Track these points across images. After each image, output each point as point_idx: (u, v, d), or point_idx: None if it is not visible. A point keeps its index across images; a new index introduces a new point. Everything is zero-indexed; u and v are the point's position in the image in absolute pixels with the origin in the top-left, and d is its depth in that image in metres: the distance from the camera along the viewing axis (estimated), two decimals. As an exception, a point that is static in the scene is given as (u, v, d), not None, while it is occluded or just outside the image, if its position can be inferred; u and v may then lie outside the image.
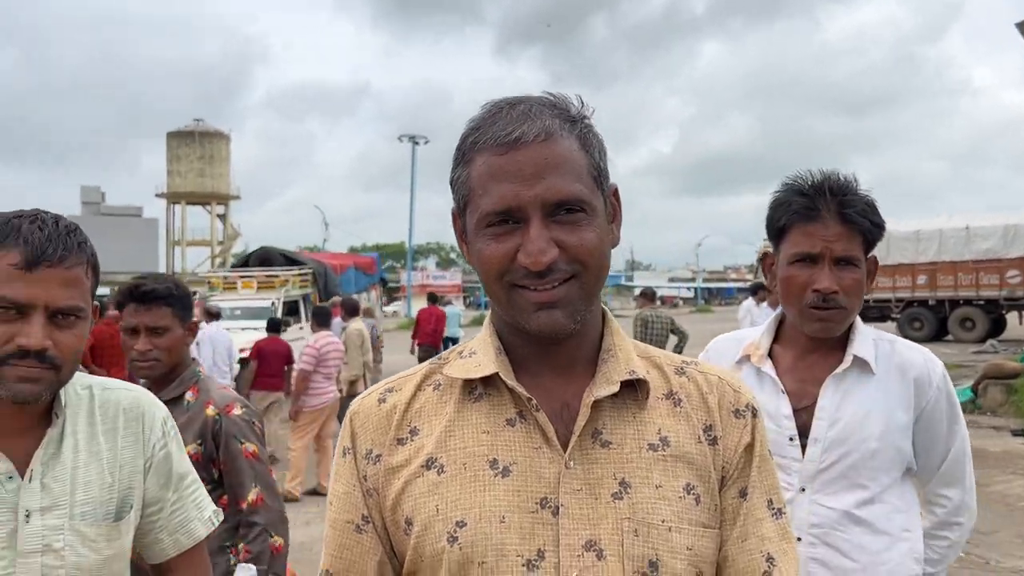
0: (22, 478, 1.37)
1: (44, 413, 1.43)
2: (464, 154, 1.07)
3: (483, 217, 1.04)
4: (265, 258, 17.17)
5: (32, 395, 1.34)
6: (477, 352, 1.14)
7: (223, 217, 69.57)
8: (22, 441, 1.39)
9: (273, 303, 14.80)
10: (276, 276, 15.63)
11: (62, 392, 1.44)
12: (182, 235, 68.40)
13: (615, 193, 1.13)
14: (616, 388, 1.08)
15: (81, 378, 1.52)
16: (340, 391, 8.82)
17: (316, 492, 7.86)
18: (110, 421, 1.50)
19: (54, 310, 1.34)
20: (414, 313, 39.10)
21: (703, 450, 1.10)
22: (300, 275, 15.65)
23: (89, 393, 1.51)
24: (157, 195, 69.62)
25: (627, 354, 1.12)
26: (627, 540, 1.02)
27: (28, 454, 1.39)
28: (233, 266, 17.81)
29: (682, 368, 1.18)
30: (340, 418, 8.21)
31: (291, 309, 14.99)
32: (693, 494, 1.07)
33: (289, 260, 16.76)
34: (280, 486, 7.79)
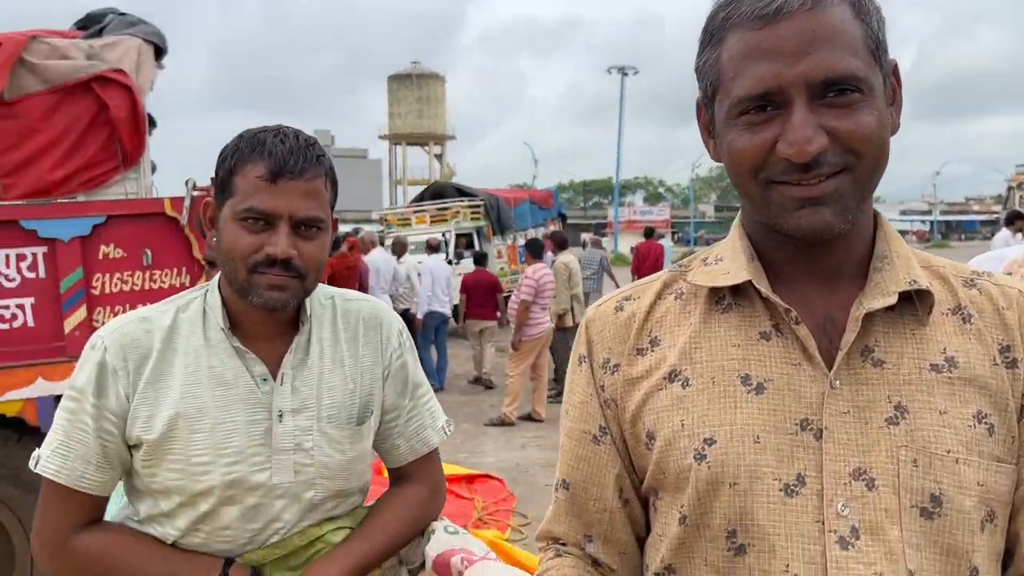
0: (274, 380, 1.45)
1: (291, 321, 1.49)
2: (712, 35, 0.95)
3: (736, 103, 0.92)
4: (439, 192, 17.44)
5: (280, 302, 1.40)
6: (725, 258, 1.03)
7: (440, 157, 72.54)
8: (273, 346, 1.47)
9: (444, 235, 15.09)
10: (447, 208, 15.75)
11: (307, 301, 1.50)
12: (403, 174, 72.17)
13: (895, 71, 0.96)
14: (893, 300, 0.93)
15: (324, 289, 1.58)
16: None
17: (531, 418, 8.11)
18: (351, 330, 1.56)
19: (297, 220, 1.38)
20: (620, 248, 38.96)
21: (999, 374, 0.94)
22: (471, 207, 15.69)
23: (332, 303, 1.57)
24: (380, 137, 73.91)
25: (906, 262, 0.97)
26: (904, 470, 0.89)
27: (279, 358, 1.46)
28: (411, 202, 18.33)
29: (972, 280, 1.01)
30: (550, 349, 8.38)
31: (468, 244, 15.20)
32: (985, 423, 0.92)
33: (461, 193, 16.94)
34: (498, 410, 8.16)
